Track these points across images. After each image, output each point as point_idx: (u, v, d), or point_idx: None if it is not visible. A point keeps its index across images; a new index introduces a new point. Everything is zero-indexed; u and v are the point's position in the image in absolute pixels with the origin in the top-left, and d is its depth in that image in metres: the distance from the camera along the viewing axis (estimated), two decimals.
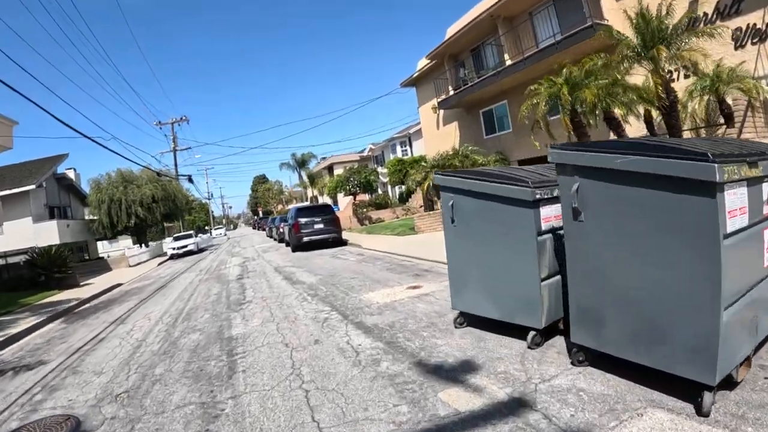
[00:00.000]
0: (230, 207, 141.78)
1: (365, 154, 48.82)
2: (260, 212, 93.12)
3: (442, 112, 24.41)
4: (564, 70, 10.78)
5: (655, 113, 10.62)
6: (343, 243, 19.33)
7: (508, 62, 18.03)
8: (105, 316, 10.68)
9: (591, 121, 11.06)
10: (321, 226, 18.47)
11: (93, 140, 18.54)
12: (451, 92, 21.68)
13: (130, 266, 28.41)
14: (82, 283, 19.83)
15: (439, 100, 22.33)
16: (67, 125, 14.65)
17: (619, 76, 10.30)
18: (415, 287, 7.92)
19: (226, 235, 71.05)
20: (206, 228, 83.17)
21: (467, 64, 21.55)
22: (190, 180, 50.15)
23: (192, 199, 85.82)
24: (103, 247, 47.13)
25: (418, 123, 34.21)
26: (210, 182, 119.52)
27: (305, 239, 18.38)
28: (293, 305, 7.96)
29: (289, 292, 9.39)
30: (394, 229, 20.00)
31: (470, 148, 19.05)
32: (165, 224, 50.86)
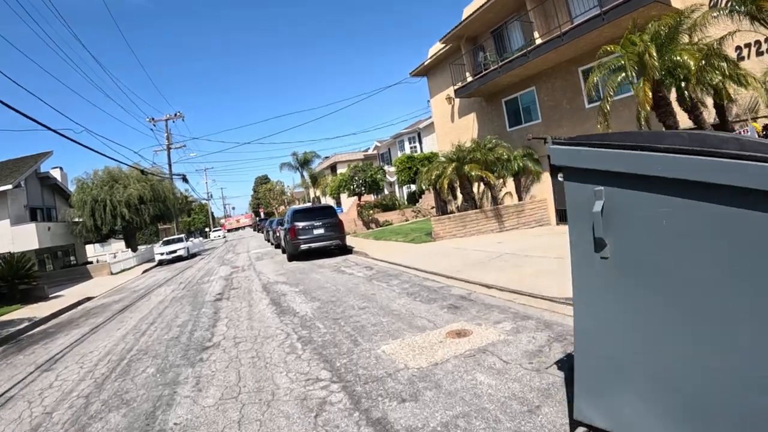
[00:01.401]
0: (233, 208, 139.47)
1: (370, 152, 46.18)
2: (261, 213, 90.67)
3: (457, 102, 21.76)
4: (650, 24, 8.05)
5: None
6: (348, 251, 16.69)
7: (538, 41, 15.39)
8: (41, 351, 8.49)
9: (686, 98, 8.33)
10: (321, 231, 15.84)
11: (58, 132, 15.97)
12: (470, 79, 19.03)
13: (111, 274, 26.08)
14: (51, 296, 17.69)
15: (455, 88, 19.66)
16: (19, 112, 12.04)
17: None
18: (459, 333, 5.26)
19: (224, 237, 68.54)
20: (206, 230, 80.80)
21: (487, 47, 18.88)
22: (185, 179, 47.81)
23: (191, 199, 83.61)
24: (95, 251, 44.78)
25: (429, 117, 31.61)
26: (210, 182, 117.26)
27: (303, 247, 15.77)
28: (274, 361, 5.32)
29: (272, 332, 6.75)
30: (407, 235, 17.35)
31: (493, 140, 16.41)
32: (159, 226, 48.46)
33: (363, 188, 28.48)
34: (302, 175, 64.98)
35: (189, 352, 6.40)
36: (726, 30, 8.69)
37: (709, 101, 8.60)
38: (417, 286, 8.49)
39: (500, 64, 16.54)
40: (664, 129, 8.02)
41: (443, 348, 4.83)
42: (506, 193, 18.29)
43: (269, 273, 14.10)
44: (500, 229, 15.61)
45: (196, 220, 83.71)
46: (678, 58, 7.29)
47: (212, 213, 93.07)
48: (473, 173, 14.51)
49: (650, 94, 6.99)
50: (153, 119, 43.48)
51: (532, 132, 17.27)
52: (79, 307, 14.23)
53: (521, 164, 16.14)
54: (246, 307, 9.04)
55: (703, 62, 7.15)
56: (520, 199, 17.39)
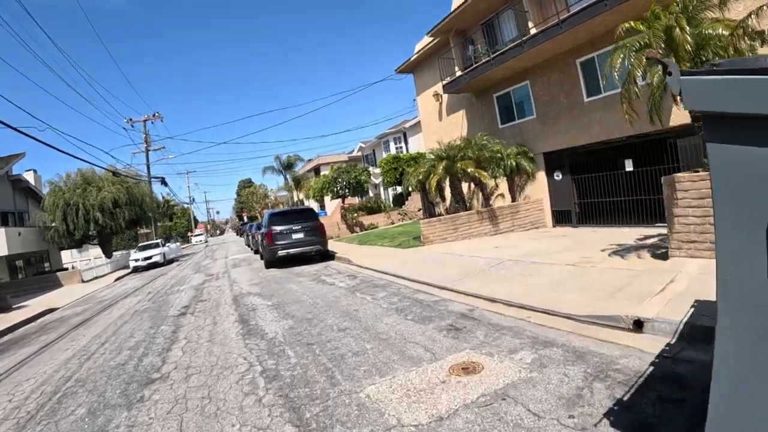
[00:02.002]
0: (218, 212, 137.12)
1: (355, 153, 44.96)
2: (245, 217, 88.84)
3: (446, 98, 20.66)
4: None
5: None
6: (330, 257, 15.47)
7: (533, 31, 14.35)
8: None
9: None
10: (301, 236, 14.59)
11: (16, 130, 14.51)
12: (459, 73, 17.92)
13: (83, 282, 24.56)
14: (15, 306, 16.41)
15: (444, 83, 18.54)
16: None
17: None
18: (467, 368, 4.07)
19: (206, 242, 66.69)
20: (188, 234, 78.70)
21: (477, 40, 17.82)
22: (164, 182, 46.25)
23: (173, 203, 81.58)
24: (72, 256, 42.85)
25: (415, 117, 30.53)
26: (192, 186, 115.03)
27: (281, 253, 14.50)
28: (227, 406, 4.09)
29: (233, 360, 5.50)
30: (393, 239, 16.16)
31: (485, 137, 15.31)
32: (139, 231, 46.65)
33: (347, 190, 27.23)
34: (285, 178, 63.59)
35: (131, 387, 5.17)
36: (749, 8, 7.69)
37: None
38: (407, 300, 7.30)
39: (492, 56, 15.45)
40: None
41: (448, 391, 3.64)
42: (498, 194, 17.24)
43: (243, 282, 12.83)
44: (494, 232, 14.51)
45: (178, 224, 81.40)
46: (710, 31, 6.25)
47: (195, 217, 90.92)
48: (468, 170, 13.36)
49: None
50: (131, 120, 41.81)
51: (525, 128, 16.23)
52: (38, 321, 12.94)
53: (515, 163, 15.07)
54: (209, 325, 7.78)
55: (740, 31, 6.08)
56: (513, 199, 16.32)
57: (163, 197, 78.73)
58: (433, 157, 14.70)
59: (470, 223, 14.21)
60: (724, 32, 6.07)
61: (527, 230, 15.05)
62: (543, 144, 15.59)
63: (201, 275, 17.27)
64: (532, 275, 7.27)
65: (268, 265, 15.32)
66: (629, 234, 11.10)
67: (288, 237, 14.53)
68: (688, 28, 6.09)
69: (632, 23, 6.92)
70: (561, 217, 15.28)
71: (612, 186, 13.51)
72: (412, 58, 22.29)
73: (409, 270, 9.65)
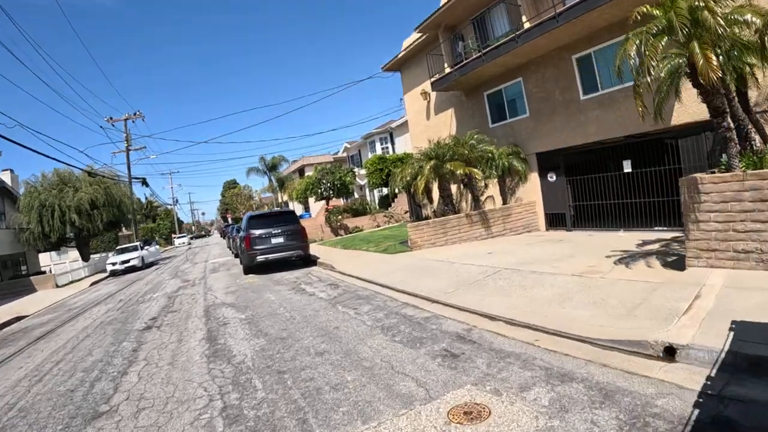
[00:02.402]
0: (203, 213, 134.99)
1: (340, 154, 44.10)
2: (229, 219, 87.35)
3: (434, 97, 19.95)
4: None
5: None
6: (312, 262, 14.64)
7: (527, 26, 13.69)
8: None
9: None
10: (281, 240, 13.73)
11: None
12: (448, 70, 17.22)
13: (57, 287, 23.36)
14: None
15: (432, 80, 17.81)
16: None
17: None
18: (470, 413, 3.29)
19: (189, 244, 65.17)
20: (171, 236, 76.98)
21: (468, 35, 17.13)
22: (144, 183, 44.83)
23: (156, 204, 79.84)
24: (51, 259, 41.34)
25: (402, 117, 29.78)
26: (176, 187, 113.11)
27: (260, 258, 13.64)
28: None
29: (192, 391, 4.67)
30: (379, 244, 15.36)
31: (475, 135, 14.60)
32: (119, 233, 45.20)
33: (331, 191, 26.36)
34: (270, 180, 62.37)
35: (74, 422, 4.38)
36: None
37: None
38: (394, 316, 6.51)
39: (484, 51, 14.75)
40: (709, 110, 6.27)
41: None
42: (488, 196, 16.56)
43: (219, 290, 11.95)
44: (486, 236, 13.80)
45: (161, 226, 79.56)
46: (736, 16, 5.56)
47: (179, 218, 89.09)
48: (458, 171, 12.61)
49: (714, 59, 5.18)
50: (111, 118, 40.56)
51: (517, 127, 15.57)
52: (3, 331, 11.89)
53: (507, 163, 14.39)
54: (174, 343, 6.93)
55: None
56: (504, 202, 15.64)
57: (146, 198, 77.25)
58: (420, 156, 13.94)
59: (460, 227, 13.48)
60: (755, 20, 5.37)
61: (519, 234, 14.38)
62: (536, 144, 14.94)
63: (177, 281, 16.33)
64: (535, 287, 6.54)
65: (247, 271, 14.45)
66: (628, 239, 10.46)
67: (267, 241, 13.67)
68: (718, 10, 5.37)
69: (647, 7, 6.20)
70: (554, 221, 14.63)
71: (609, 188, 12.90)
72: (399, 55, 21.56)
73: (396, 279, 8.86)
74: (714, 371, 3.63)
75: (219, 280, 14.45)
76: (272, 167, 65.23)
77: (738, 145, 6.00)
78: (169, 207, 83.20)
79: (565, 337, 4.56)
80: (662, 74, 7.94)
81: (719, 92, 6.06)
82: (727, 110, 6.10)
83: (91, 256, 35.06)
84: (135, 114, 41.30)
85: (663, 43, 5.73)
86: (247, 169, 62.16)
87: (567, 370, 3.86)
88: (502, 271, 7.83)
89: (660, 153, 12.18)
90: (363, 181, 30.92)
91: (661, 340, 3.94)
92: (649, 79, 6.01)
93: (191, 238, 77.87)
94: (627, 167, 12.52)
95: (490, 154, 14.28)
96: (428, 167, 12.82)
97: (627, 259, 7.75)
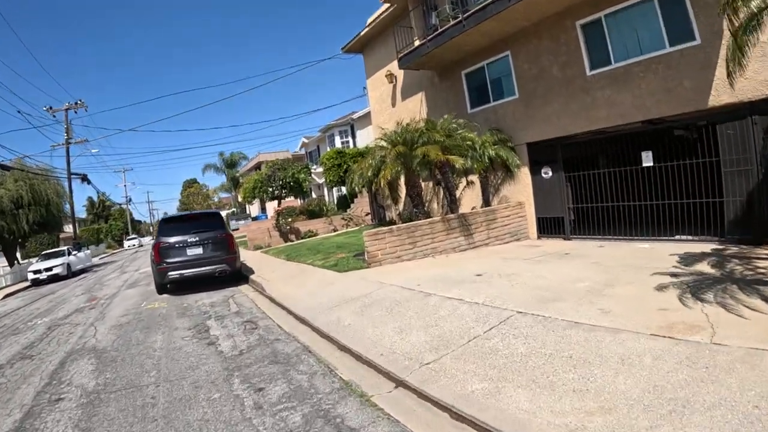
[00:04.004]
0: (165, 213, 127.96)
1: (298, 151, 40.54)
2: None
3: (401, 79, 16.91)
4: None
5: None
6: (243, 277, 11.33)
7: None
8: None
9: None
10: (199, 251, 10.37)
11: None
12: (418, 43, 14.18)
13: None
14: None
15: (400, 55, 14.71)
16: None
17: None
18: None
19: (141, 245, 59.98)
20: (122, 237, 71.22)
21: (442, 4, 14.12)
22: (85, 179, 40.07)
23: (108, 203, 73.85)
24: None
25: (365, 108, 26.62)
26: (130, 185, 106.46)
27: (172, 275, 10.28)
28: None
29: None
30: (329, 255, 12.07)
31: (454, 120, 11.60)
32: (59, 235, 40.44)
33: (283, 190, 22.96)
34: (228, 178, 58.07)
35: None
36: None
37: None
38: (330, 425, 3.34)
39: (466, 15, 11.74)
40: None
41: None
42: (462, 196, 13.62)
43: (110, 319, 8.69)
44: (466, 247, 10.80)
45: (113, 226, 73.41)
46: None
47: (134, 219, 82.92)
48: (432, 156, 9.48)
49: None
50: (51, 108, 35.93)
51: (503, 113, 12.68)
52: None
53: (493, 153, 11.44)
54: None
55: None
56: (487, 203, 12.69)
57: (98, 197, 71.32)
58: (384, 143, 10.80)
59: (433, 235, 10.42)
60: None
61: (506, 243, 11.47)
62: (527, 132, 12.05)
63: (83, 298, 13.00)
64: (594, 364, 3.46)
65: (160, 290, 11.02)
66: (656, 252, 7.70)
67: (182, 253, 10.28)
68: None
69: None
70: (548, 226, 11.80)
71: (622, 186, 10.13)
72: (362, 33, 18.41)
73: (341, 320, 5.68)
74: None
75: (126, 299, 11.13)
76: (231, 164, 60.96)
77: None
78: (122, 206, 77.28)
79: None
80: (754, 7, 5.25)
81: None
82: None
83: (26, 261, 30.75)
84: (76, 103, 36.77)
85: None
86: (204, 166, 57.79)
87: None
88: (514, 319, 4.72)
89: (692, 142, 9.51)
90: (321, 180, 27.65)
91: None
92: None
93: (150, 240, 72.24)
94: (647, 160, 9.74)
95: (469, 142, 11.30)
96: (393, 155, 9.70)
97: (704, 290, 4.85)
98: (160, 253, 10.28)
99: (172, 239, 10.30)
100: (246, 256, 17.02)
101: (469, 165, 11.06)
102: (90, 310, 10.44)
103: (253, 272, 11.60)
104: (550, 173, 11.60)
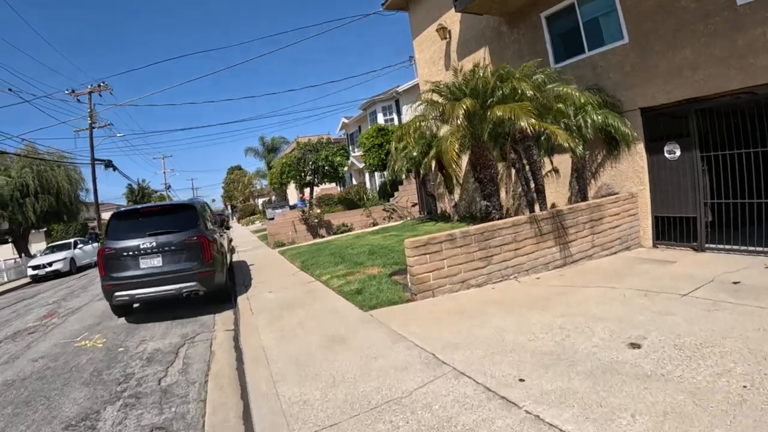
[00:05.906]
0: (213, 200, 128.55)
1: (338, 134, 37.22)
2: (229, 207, 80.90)
3: (457, 31, 13.17)
4: None
5: None
6: (228, 300, 8.01)
7: None
8: None
9: None
10: (158, 261, 7.11)
11: None
12: None
13: None
14: None
15: None
16: None
17: None
18: None
19: None
20: None
21: None
22: (109, 165, 38.40)
23: (148, 191, 73.24)
24: None
25: (412, 80, 22.88)
26: (169, 172, 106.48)
27: (120, 296, 7.15)
28: None
29: None
30: (354, 268, 8.49)
31: (540, 72, 7.85)
32: (88, 224, 39.23)
33: (316, 176, 19.73)
34: (267, 164, 55.44)
35: None
36: None
37: None
38: None
39: None
40: None
41: None
42: (545, 174, 9.85)
43: (15, 367, 5.67)
44: (561, 262, 7.12)
45: None
46: None
47: None
48: (521, 124, 5.77)
49: None
50: (73, 91, 34.32)
51: (604, 66, 8.83)
52: None
53: (600, 120, 7.65)
54: None
55: None
56: (583, 196, 8.88)
57: (138, 184, 70.71)
58: (439, 99, 7.14)
59: (517, 244, 6.75)
60: None
61: (613, 253, 7.74)
62: (642, 93, 8.18)
63: (46, 310, 10.53)
64: None
65: (116, 311, 7.94)
66: None
67: (134, 264, 7.07)
68: None
69: None
70: (669, 230, 8.01)
71: None
72: None
73: None
74: None
75: (79, 321, 8.72)
76: (272, 149, 58.33)
77: None
78: (163, 194, 76.67)
79: None
80: None
81: None
82: None
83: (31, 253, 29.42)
84: (99, 86, 34.90)
85: None
86: (246, 149, 55.44)
87: None
88: None
89: None
90: (361, 164, 24.21)
91: None
92: None
93: None
94: None
95: (561, 106, 7.54)
96: (460, 115, 5.97)
97: None
98: (105, 264, 7.09)
99: (123, 244, 7.07)
100: (259, 257, 13.82)
101: (572, 140, 7.24)
102: (24, 337, 7.61)
103: (251, 286, 8.36)
104: (677, 152, 7.70)
